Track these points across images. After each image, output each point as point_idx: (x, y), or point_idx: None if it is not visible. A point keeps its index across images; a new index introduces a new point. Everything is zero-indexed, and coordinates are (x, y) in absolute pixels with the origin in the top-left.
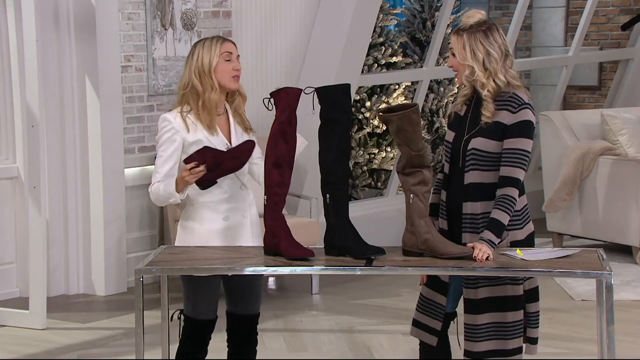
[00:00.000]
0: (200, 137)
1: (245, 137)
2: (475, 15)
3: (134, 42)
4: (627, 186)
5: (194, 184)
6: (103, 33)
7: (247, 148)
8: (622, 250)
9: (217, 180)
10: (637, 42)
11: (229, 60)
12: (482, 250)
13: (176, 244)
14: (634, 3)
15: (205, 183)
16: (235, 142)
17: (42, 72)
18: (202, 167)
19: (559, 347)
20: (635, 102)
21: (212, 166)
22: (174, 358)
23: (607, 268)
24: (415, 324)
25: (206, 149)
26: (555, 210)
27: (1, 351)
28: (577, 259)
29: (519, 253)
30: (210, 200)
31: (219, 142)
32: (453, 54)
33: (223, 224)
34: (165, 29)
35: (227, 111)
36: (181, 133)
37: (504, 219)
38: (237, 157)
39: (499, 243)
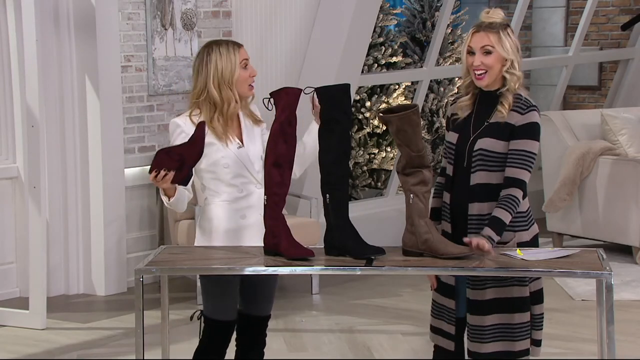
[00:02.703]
0: (211, 139)
1: (257, 131)
2: (499, 12)
3: (134, 42)
4: (627, 186)
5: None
6: (103, 33)
7: (198, 131)
8: (622, 250)
9: (192, 172)
10: (637, 42)
11: (245, 67)
12: (480, 243)
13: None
14: (634, 3)
15: (182, 181)
16: (246, 141)
17: (42, 72)
18: (162, 173)
19: (559, 347)
20: (635, 102)
21: (174, 165)
22: (192, 357)
23: (607, 268)
24: (433, 329)
25: (159, 153)
26: (555, 210)
27: (1, 351)
28: (577, 259)
29: (519, 253)
30: (226, 200)
31: (232, 146)
32: (486, 52)
33: (241, 222)
34: (165, 29)
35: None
36: None
37: (506, 218)
38: (194, 144)
39: (498, 242)
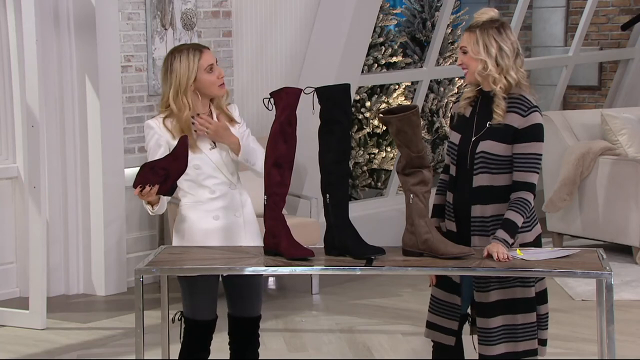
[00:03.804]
0: None
1: (233, 131)
2: (488, 12)
3: (134, 42)
4: (627, 186)
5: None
6: (103, 33)
7: (181, 145)
8: (622, 250)
9: (177, 184)
10: (637, 42)
11: (211, 71)
12: (499, 251)
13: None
14: (634, 3)
15: (166, 192)
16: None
17: (42, 72)
18: (148, 188)
19: (559, 347)
20: (635, 102)
21: (158, 179)
22: (177, 358)
23: (607, 268)
24: (430, 325)
25: (144, 167)
26: (555, 210)
27: (1, 351)
28: (577, 259)
29: (519, 253)
30: (198, 201)
31: (203, 146)
32: (464, 52)
33: (214, 223)
34: (165, 29)
35: (211, 110)
36: (165, 137)
37: (518, 220)
38: (177, 157)
39: (512, 244)
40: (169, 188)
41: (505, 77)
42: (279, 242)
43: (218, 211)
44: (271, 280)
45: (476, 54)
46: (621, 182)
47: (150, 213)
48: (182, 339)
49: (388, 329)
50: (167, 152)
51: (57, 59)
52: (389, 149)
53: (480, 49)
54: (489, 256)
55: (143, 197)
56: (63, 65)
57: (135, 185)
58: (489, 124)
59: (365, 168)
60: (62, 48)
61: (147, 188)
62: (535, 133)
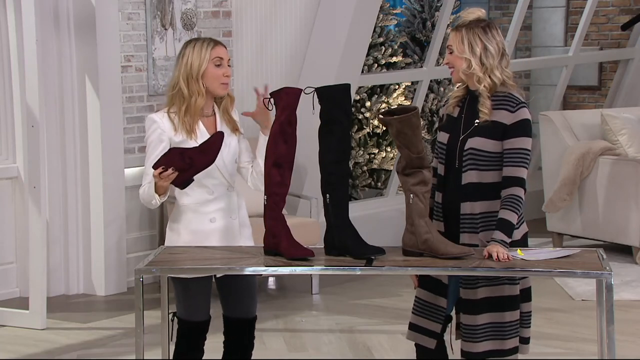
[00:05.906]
0: (183, 137)
1: (233, 138)
2: (475, 12)
3: (134, 42)
4: (627, 186)
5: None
6: (103, 33)
7: (215, 140)
8: (622, 250)
9: (194, 177)
10: (637, 42)
11: (219, 65)
12: (499, 251)
13: (166, 245)
14: (634, 3)
15: (182, 183)
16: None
17: (42, 72)
18: (170, 171)
19: (559, 347)
20: (635, 102)
21: (183, 166)
22: (171, 359)
23: (607, 268)
24: (413, 327)
25: (172, 150)
26: (555, 210)
27: (1, 351)
28: (577, 259)
29: (519, 253)
30: (195, 202)
31: None
32: (450, 51)
33: (210, 225)
34: (165, 29)
35: (215, 113)
36: (168, 133)
37: (513, 218)
38: (206, 151)
39: (510, 243)
40: (186, 179)
41: (489, 77)
42: (279, 242)
43: (215, 213)
44: (271, 280)
45: (461, 52)
46: (621, 182)
47: (158, 202)
48: (175, 339)
49: (388, 329)
50: (168, 149)
51: (57, 59)
52: (389, 149)
53: (465, 47)
54: (489, 257)
55: (160, 180)
56: (63, 65)
57: (157, 165)
58: (476, 122)
59: (365, 168)
60: (62, 48)
61: (169, 171)
62: (522, 128)
